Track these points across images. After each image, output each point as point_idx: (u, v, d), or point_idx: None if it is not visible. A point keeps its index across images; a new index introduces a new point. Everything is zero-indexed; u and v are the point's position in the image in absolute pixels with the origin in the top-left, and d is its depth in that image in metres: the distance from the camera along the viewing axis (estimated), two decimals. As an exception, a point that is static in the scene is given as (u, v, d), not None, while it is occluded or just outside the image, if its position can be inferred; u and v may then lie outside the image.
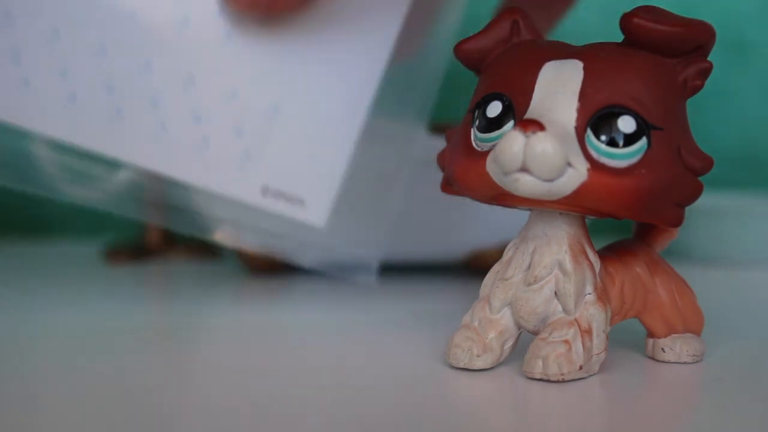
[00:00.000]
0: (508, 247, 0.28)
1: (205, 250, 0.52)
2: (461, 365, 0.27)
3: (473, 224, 0.43)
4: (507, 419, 0.24)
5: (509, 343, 0.27)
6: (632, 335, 0.30)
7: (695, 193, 0.26)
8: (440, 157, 0.28)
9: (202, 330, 0.34)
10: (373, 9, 0.36)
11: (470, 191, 0.27)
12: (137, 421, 0.23)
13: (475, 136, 0.26)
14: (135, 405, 0.24)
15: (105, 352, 0.30)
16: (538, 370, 0.26)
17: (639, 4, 0.25)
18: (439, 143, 0.29)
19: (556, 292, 0.26)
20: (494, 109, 0.26)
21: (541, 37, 0.28)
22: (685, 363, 0.28)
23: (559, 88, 0.25)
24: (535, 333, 0.27)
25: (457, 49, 0.28)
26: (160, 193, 0.39)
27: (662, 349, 0.28)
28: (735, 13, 0.61)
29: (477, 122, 0.26)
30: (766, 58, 0.62)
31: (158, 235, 0.53)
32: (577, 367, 0.26)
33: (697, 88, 0.26)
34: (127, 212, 0.38)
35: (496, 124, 0.26)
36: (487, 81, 0.27)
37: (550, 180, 0.24)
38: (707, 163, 0.26)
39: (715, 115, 0.61)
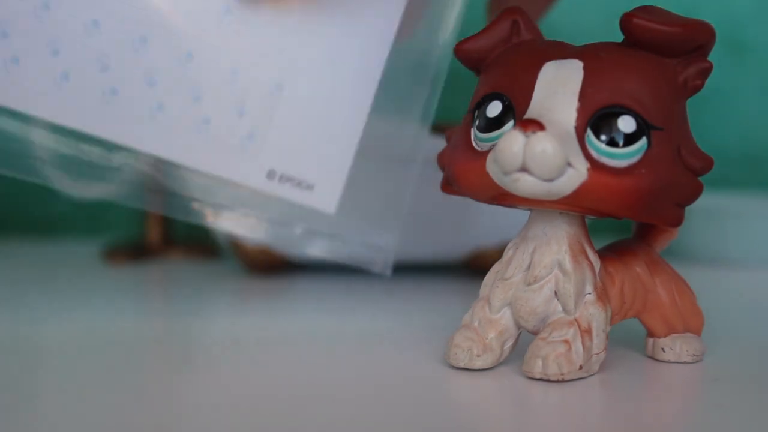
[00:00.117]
0: (508, 246, 0.28)
1: (204, 249, 0.52)
2: (461, 365, 0.27)
3: (473, 224, 0.43)
4: (507, 419, 0.24)
5: (509, 343, 0.27)
6: (632, 335, 0.30)
7: (695, 193, 0.26)
8: (440, 157, 0.28)
9: (202, 331, 0.34)
10: None
11: (470, 191, 0.27)
12: (137, 421, 0.23)
13: (475, 136, 0.26)
14: (134, 405, 0.24)
15: (104, 352, 0.30)
16: (537, 369, 0.26)
17: (639, 4, 0.26)
18: (440, 143, 0.29)
19: (555, 292, 0.26)
20: (494, 108, 0.26)
21: (541, 36, 0.28)
22: (684, 363, 0.28)
23: (559, 88, 0.25)
24: (535, 333, 0.27)
25: (457, 49, 0.28)
26: (160, 178, 0.36)
27: (662, 348, 0.28)
28: (735, 13, 0.61)
29: (477, 122, 0.26)
30: (765, 57, 0.62)
31: (158, 235, 0.53)
32: (577, 367, 0.26)
33: (697, 88, 0.26)
34: (125, 200, 0.36)
35: (496, 124, 0.26)
36: (487, 81, 0.27)
37: (550, 180, 0.24)
38: (707, 163, 0.26)
39: (715, 114, 0.61)
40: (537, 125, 0.24)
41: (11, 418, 0.23)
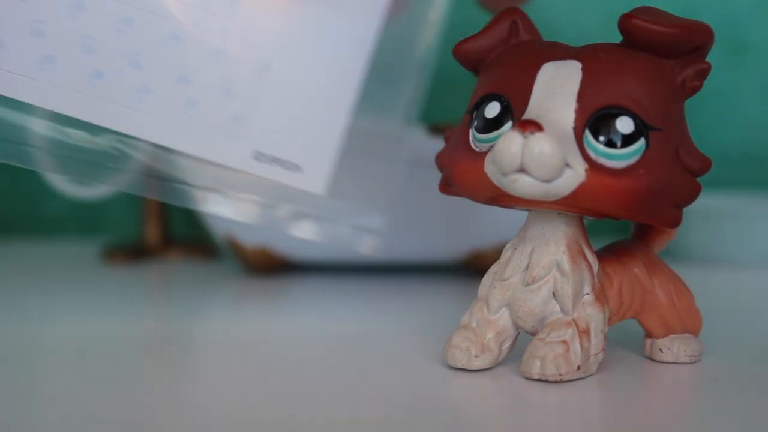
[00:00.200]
0: (506, 247, 0.28)
1: (203, 249, 0.52)
2: (459, 365, 0.27)
3: (471, 224, 0.43)
4: (505, 419, 0.24)
5: (507, 344, 0.27)
6: (630, 335, 0.30)
7: (693, 193, 0.26)
8: (439, 158, 0.28)
9: (201, 331, 0.34)
10: None
11: (468, 192, 0.27)
12: (136, 420, 0.23)
13: (474, 136, 0.26)
14: (133, 405, 0.24)
15: (103, 352, 0.30)
16: (536, 370, 0.26)
17: (638, 5, 0.26)
18: (438, 144, 0.29)
19: (554, 293, 0.26)
20: (493, 109, 0.26)
21: (539, 37, 0.28)
22: (683, 363, 0.28)
23: (557, 89, 0.25)
24: (533, 333, 0.27)
25: (456, 50, 0.28)
26: (155, 163, 0.35)
27: (660, 349, 0.28)
28: (734, 13, 0.61)
29: (475, 123, 0.26)
30: (765, 58, 0.62)
31: (157, 235, 0.53)
32: (575, 368, 0.26)
33: (695, 89, 0.26)
34: (114, 184, 0.36)
35: (494, 124, 0.26)
36: (486, 82, 0.27)
37: (549, 181, 0.24)
38: (705, 164, 0.26)
39: (714, 115, 0.61)
40: (535, 126, 0.24)
41: (11, 418, 0.23)
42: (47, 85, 0.32)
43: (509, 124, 0.26)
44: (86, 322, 0.34)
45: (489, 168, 0.25)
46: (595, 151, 0.24)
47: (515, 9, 0.28)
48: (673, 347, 0.28)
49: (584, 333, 0.26)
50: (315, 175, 0.34)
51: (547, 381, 0.26)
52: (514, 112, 0.25)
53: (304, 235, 0.37)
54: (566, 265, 0.26)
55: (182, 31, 0.33)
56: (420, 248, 0.44)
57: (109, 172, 0.34)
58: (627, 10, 0.25)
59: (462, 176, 0.26)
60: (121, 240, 0.55)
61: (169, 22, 0.33)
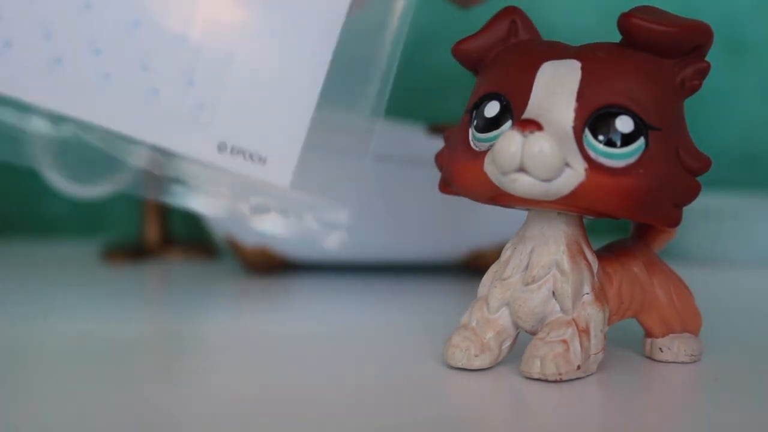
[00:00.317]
0: (506, 246, 0.28)
1: (203, 249, 0.52)
2: (459, 365, 0.27)
3: (471, 224, 0.43)
4: (505, 419, 0.24)
5: (507, 343, 0.27)
6: (630, 335, 0.30)
7: (693, 193, 0.26)
8: (438, 158, 0.28)
9: (200, 331, 0.34)
10: None
11: (468, 191, 0.27)
12: (136, 421, 0.23)
13: (473, 136, 0.26)
14: (133, 405, 0.24)
15: (103, 352, 0.30)
16: (536, 369, 0.26)
17: (637, 5, 0.26)
18: (437, 143, 0.29)
19: (553, 292, 0.26)
20: (492, 109, 0.26)
21: (538, 36, 0.28)
22: (682, 363, 0.28)
23: (557, 88, 0.25)
24: (533, 333, 0.27)
25: (455, 50, 0.28)
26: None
27: (660, 348, 0.28)
28: (734, 13, 0.61)
29: (475, 122, 0.26)
30: (765, 58, 0.62)
31: (157, 235, 0.53)
32: (575, 367, 0.26)
33: (695, 89, 0.26)
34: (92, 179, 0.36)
35: (494, 124, 0.26)
36: (485, 81, 0.27)
37: (548, 180, 0.24)
38: (705, 164, 0.26)
39: (713, 115, 0.61)
40: (535, 125, 0.24)
41: (10, 418, 0.23)
42: (3, 72, 0.31)
43: (509, 123, 0.26)
44: (86, 322, 0.34)
45: (488, 167, 0.25)
46: (595, 150, 0.24)
47: (514, 8, 0.28)
48: (673, 347, 0.28)
49: (584, 332, 0.26)
50: (280, 167, 0.33)
51: (547, 380, 0.26)
52: (514, 112, 0.25)
53: (269, 229, 0.36)
54: (566, 264, 0.26)
55: (143, 18, 0.32)
56: (420, 248, 0.44)
57: (96, 167, 0.34)
58: (626, 10, 0.25)
59: (461, 176, 0.26)
60: (121, 240, 0.55)
61: (129, 9, 0.32)
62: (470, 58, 0.28)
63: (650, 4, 0.26)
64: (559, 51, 0.26)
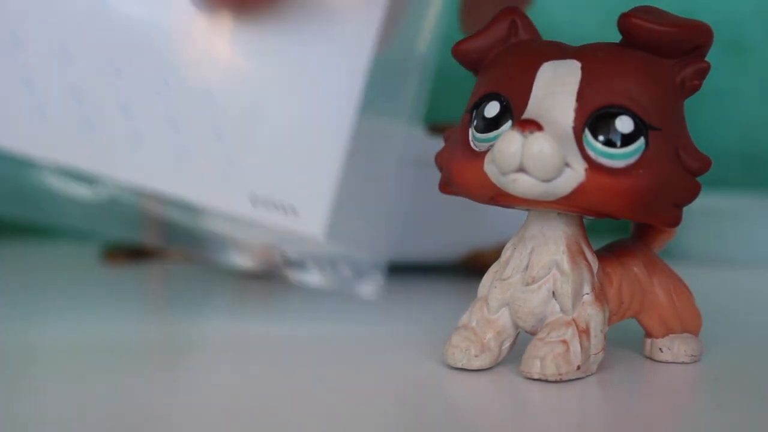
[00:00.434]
0: (506, 247, 0.28)
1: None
2: (459, 365, 0.27)
3: (471, 224, 0.43)
4: (505, 419, 0.24)
5: (507, 343, 0.27)
6: (630, 335, 0.30)
7: (693, 193, 0.26)
8: (438, 158, 0.28)
9: (201, 332, 0.34)
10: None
11: (468, 191, 0.27)
12: (135, 422, 0.23)
13: (473, 136, 0.26)
14: (132, 406, 0.24)
15: (103, 353, 0.30)
16: (536, 370, 0.26)
17: (637, 5, 0.25)
18: (437, 143, 0.29)
19: (553, 292, 0.26)
20: (492, 109, 0.26)
21: (538, 36, 0.28)
22: (682, 363, 0.28)
23: (557, 89, 0.25)
24: (533, 333, 0.27)
25: (455, 50, 0.28)
26: (157, 210, 0.36)
27: (660, 349, 0.28)
28: (734, 13, 0.61)
29: (475, 122, 0.26)
30: (765, 58, 0.62)
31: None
32: (575, 367, 0.26)
33: (695, 89, 0.26)
34: (118, 233, 0.36)
35: (494, 124, 0.26)
36: (485, 81, 0.27)
37: (548, 180, 0.24)
38: (705, 164, 0.26)
39: (713, 115, 0.61)
40: (535, 125, 0.24)
41: (10, 418, 0.23)
42: (39, 134, 0.32)
43: (509, 123, 0.26)
44: (86, 322, 0.34)
45: (488, 167, 0.25)
46: (595, 150, 0.24)
47: (514, 8, 0.28)
48: (673, 347, 0.28)
49: (584, 333, 0.26)
50: (312, 217, 0.33)
51: (547, 381, 0.26)
52: (514, 112, 0.25)
53: (306, 281, 0.36)
54: (566, 264, 0.26)
55: (172, 77, 0.33)
56: (420, 248, 0.44)
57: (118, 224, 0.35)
58: (626, 10, 0.25)
59: (461, 176, 0.26)
60: (122, 240, 0.55)
61: (158, 67, 0.33)
62: (470, 59, 0.28)
63: (650, 4, 0.26)
64: (559, 51, 0.26)
